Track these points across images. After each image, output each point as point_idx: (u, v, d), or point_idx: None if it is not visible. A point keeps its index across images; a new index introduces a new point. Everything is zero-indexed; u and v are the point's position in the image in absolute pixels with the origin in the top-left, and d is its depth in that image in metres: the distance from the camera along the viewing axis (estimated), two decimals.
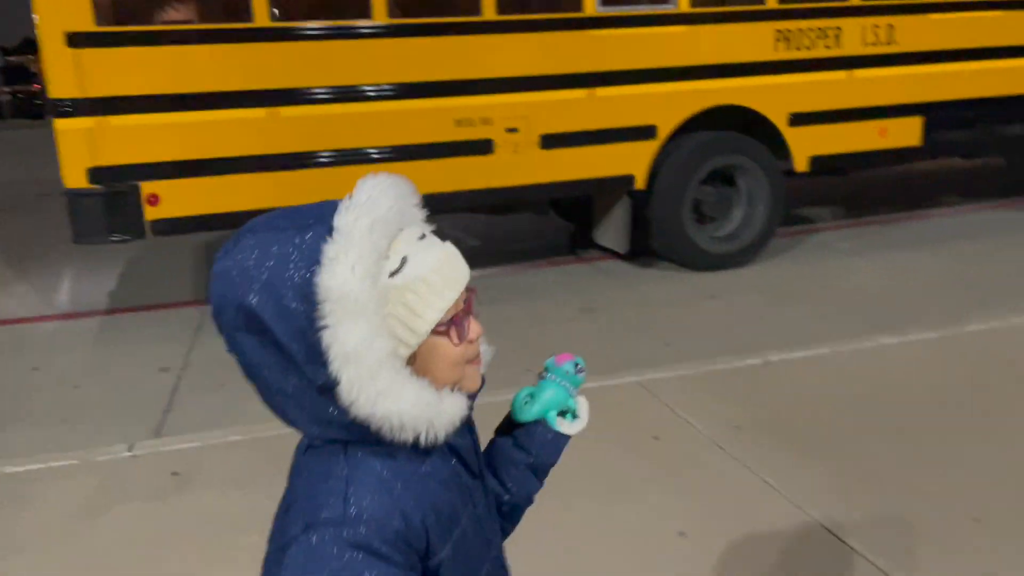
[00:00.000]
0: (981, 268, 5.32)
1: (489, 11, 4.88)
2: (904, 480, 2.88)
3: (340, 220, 0.86)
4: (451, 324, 0.93)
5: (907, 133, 5.90)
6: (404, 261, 0.89)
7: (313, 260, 0.85)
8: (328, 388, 0.86)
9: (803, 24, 5.49)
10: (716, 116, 5.47)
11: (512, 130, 5.03)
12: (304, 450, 0.97)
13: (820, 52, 5.58)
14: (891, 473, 2.92)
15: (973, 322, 4.21)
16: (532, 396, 1.19)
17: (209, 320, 4.07)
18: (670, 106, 5.34)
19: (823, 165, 5.79)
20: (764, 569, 2.47)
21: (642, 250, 5.72)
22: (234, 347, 0.90)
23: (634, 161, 5.33)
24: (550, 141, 5.12)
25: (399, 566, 0.88)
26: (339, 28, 4.69)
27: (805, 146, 5.66)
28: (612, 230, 5.78)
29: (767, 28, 5.43)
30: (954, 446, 3.08)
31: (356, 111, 4.73)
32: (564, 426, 1.18)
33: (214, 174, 4.54)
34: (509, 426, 1.20)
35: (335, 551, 0.86)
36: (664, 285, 5.40)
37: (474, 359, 0.99)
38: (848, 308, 4.72)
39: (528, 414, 1.18)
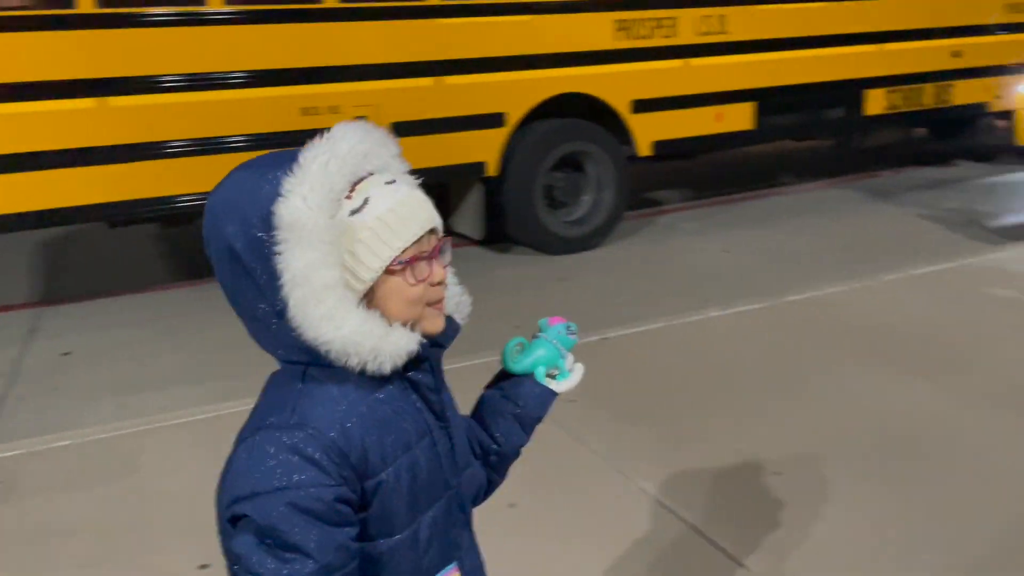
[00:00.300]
0: (808, 242, 5.75)
1: None
2: (718, 441, 3.12)
3: (302, 156, 0.95)
4: (409, 264, 0.98)
5: (741, 118, 6.27)
6: (366, 201, 0.96)
7: (278, 193, 0.93)
8: (284, 312, 0.94)
9: (641, 14, 5.73)
10: (564, 104, 5.65)
11: (361, 119, 5.00)
12: (274, 372, 1.06)
13: (658, 41, 5.85)
14: (707, 435, 3.16)
15: (793, 292, 4.56)
16: (523, 348, 1.23)
17: (43, 323, 3.88)
18: (518, 94, 5.46)
19: (665, 149, 6.08)
20: (588, 533, 2.63)
21: (498, 236, 5.86)
22: (219, 276, 0.99)
23: (485, 148, 5.44)
24: (400, 129, 5.13)
25: (329, 475, 0.94)
26: (171, 15, 4.54)
27: (647, 132, 5.93)
28: (468, 217, 5.87)
29: (607, 18, 5.64)
30: (765, 407, 3.35)
31: (193, 100, 4.59)
32: (552, 384, 1.23)
33: (40, 168, 4.31)
34: (498, 380, 1.26)
35: (272, 451, 0.94)
36: (518, 269, 5.55)
37: (435, 302, 1.04)
38: (686, 284, 5.01)
39: (518, 365, 1.22)
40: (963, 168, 7.78)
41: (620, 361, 3.80)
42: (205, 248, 0.99)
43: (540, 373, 1.22)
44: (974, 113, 7.38)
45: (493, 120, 5.41)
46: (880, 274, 4.73)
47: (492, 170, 5.49)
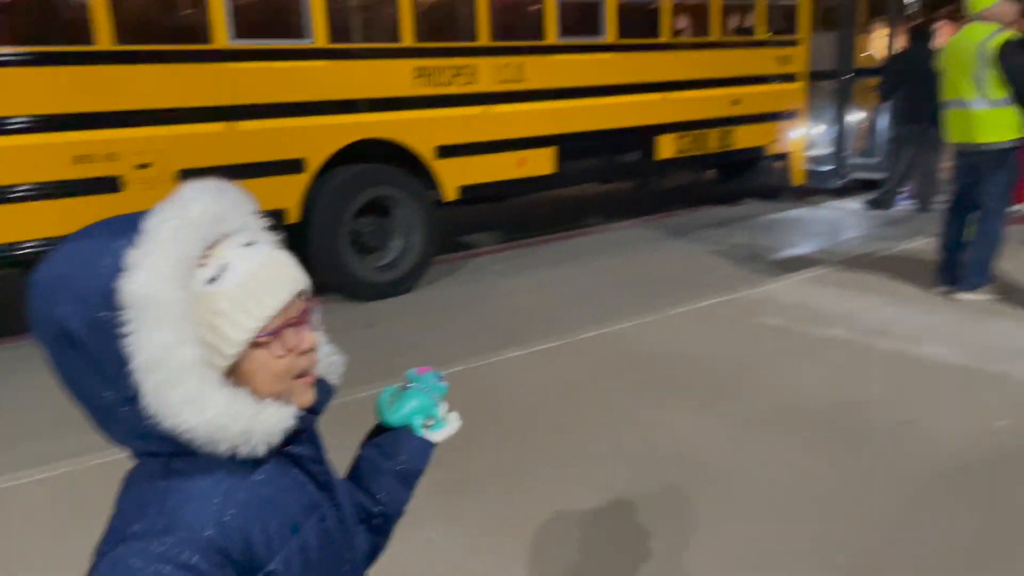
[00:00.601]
0: (609, 279, 6.00)
1: (106, 40, 4.58)
2: (509, 483, 3.13)
3: (148, 223, 0.84)
4: (275, 334, 0.89)
5: (542, 162, 6.50)
6: (223, 268, 0.87)
7: (121, 266, 0.83)
8: (135, 399, 0.83)
9: (440, 62, 5.84)
10: (369, 149, 5.63)
11: (144, 166, 4.75)
12: (131, 468, 0.93)
13: (459, 88, 5.98)
14: (494, 477, 3.16)
15: (591, 328, 4.72)
16: (397, 401, 1.15)
17: None
18: (317, 139, 5.38)
19: (471, 194, 6.19)
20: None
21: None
22: (50, 359, 0.87)
23: (284, 195, 5.29)
24: (189, 176, 4.88)
25: None
26: None
27: (452, 177, 6.01)
28: None
29: (406, 65, 5.70)
30: (558, 445, 3.41)
31: None
32: (430, 434, 1.17)
33: None
34: (374, 436, 1.19)
35: (139, 564, 0.82)
36: (326, 317, 5.37)
37: (306, 372, 0.94)
38: (492, 325, 5.07)
39: (395, 416, 1.16)
40: (749, 206, 8.47)
41: None
42: (32, 330, 0.86)
43: (417, 424, 1.18)
44: (754, 156, 8.07)
45: (291, 166, 5.29)
46: (670, 308, 4.99)
47: (292, 217, 5.35)
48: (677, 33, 7.34)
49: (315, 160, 5.38)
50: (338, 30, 5.41)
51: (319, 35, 5.30)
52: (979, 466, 2.99)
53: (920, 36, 7.72)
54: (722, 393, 3.78)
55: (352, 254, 5.67)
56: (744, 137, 7.80)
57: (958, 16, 7.91)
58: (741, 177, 8.60)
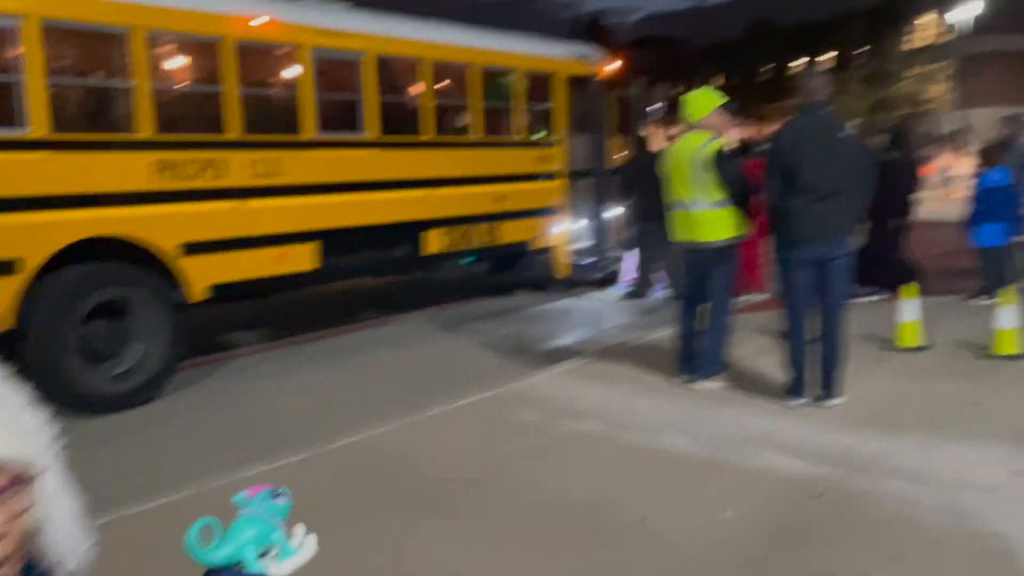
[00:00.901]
0: (374, 378, 5.82)
1: None
2: None
3: None
4: None
5: (304, 258, 6.28)
6: None
7: None
8: None
9: (184, 155, 5.52)
10: (104, 247, 5.13)
11: None
12: None
13: (208, 183, 5.66)
14: None
15: (348, 435, 4.47)
16: (217, 533, 0.95)
17: None
18: (35, 238, 4.83)
19: (225, 292, 5.81)
20: None
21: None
22: None
23: None
24: None
25: None
26: None
27: (201, 275, 5.62)
28: None
29: (144, 158, 5.32)
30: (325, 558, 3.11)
31: None
32: (272, 567, 0.98)
33: None
34: None
35: None
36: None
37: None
38: (239, 436, 4.69)
39: (215, 555, 0.95)
40: (520, 298, 8.70)
41: (133, 543, 3.30)
42: None
43: (251, 558, 0.96)
44: (521, 250, 8.34)
45: (2, 268, 4.68)
46: (430, 408, 4.87)
47: (5, 325, 4.71)
48: (441, 132, 7.50)
49: (32, 260, 4.81)
50: (63, 119, 4.96)
51: (38, 124, 4.81)
52: (703, 562, 3.07)
53: (644, 142, 8.52)
54: (470, 498, 3.67)
55: (79, 363, 5.07)
56: (509, 232, 8.05)
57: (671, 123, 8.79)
58: (511, 270, 8.84)
